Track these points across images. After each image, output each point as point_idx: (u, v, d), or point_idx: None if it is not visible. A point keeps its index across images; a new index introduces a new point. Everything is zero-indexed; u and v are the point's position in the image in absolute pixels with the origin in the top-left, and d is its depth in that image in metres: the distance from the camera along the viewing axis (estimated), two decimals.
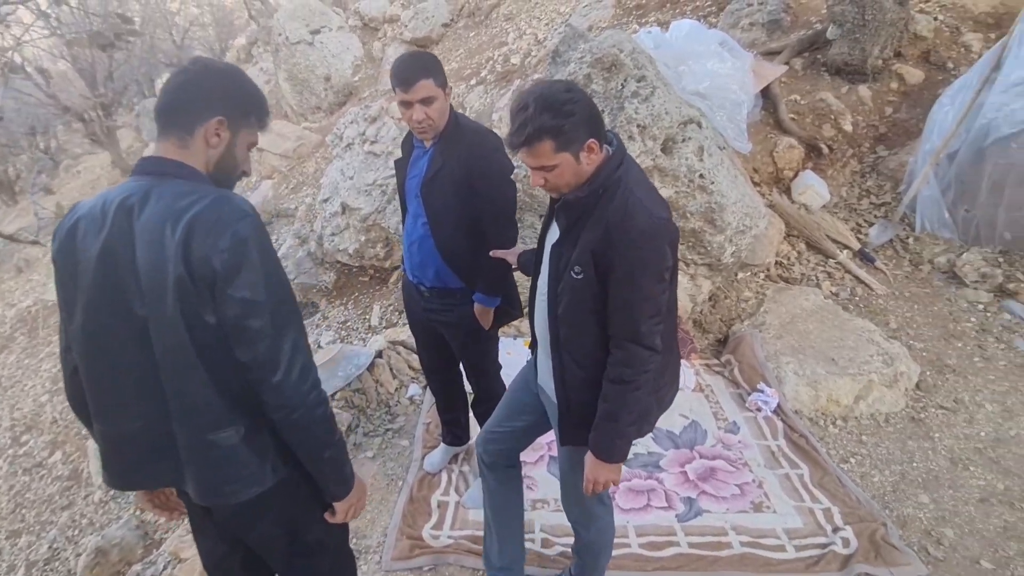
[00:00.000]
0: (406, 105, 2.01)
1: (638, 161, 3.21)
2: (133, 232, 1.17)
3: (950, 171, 3.89)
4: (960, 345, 3.42)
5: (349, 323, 4.94)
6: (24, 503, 5.14)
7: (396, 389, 3.40)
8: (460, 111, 7.23)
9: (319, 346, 4.72)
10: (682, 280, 3.56)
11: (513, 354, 3.35)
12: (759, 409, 3.11)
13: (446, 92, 2.05)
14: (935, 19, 4.72)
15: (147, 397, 1.23)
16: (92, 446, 4.93)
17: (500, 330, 2.46)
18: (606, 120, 3.27)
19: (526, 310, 1.91)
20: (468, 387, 2.64)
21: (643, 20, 6.17)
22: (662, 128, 3.25)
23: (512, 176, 2.18)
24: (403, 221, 2.35)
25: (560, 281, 1.56)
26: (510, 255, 2.01)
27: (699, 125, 3.42)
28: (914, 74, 4.57)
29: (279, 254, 5.77)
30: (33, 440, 5.91)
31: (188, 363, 1.19)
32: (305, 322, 5.19)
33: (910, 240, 4.05)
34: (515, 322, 3.00)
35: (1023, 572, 2.29)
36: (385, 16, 10.36)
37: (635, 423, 1.58)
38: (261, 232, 1.18)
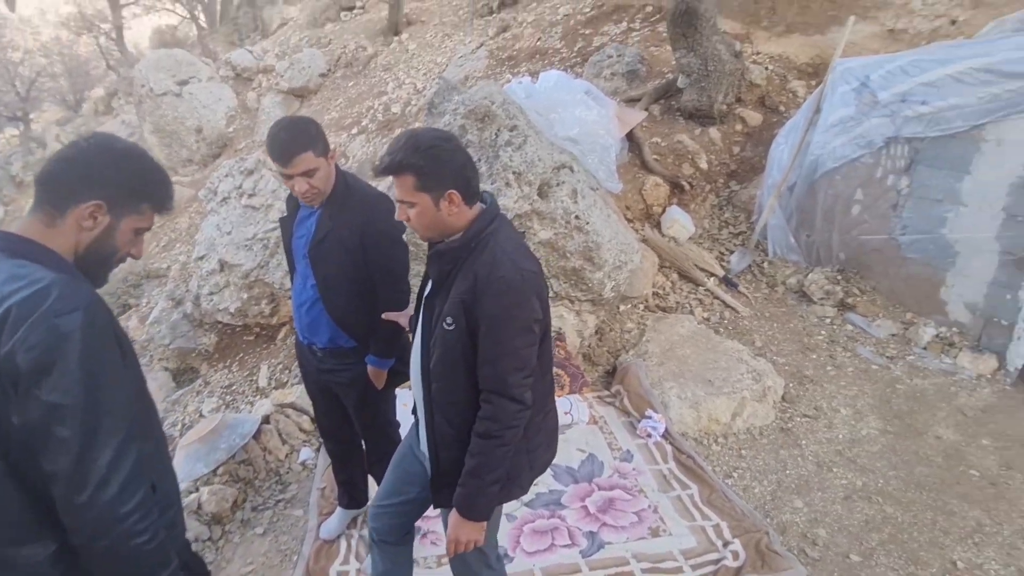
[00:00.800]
0: (287, 177, 1.98)
1: (516, 206, 3.35)
2: None
3: (791, 202, 4.39)
4: (815, 356, 3.81)
5: (235, 387, 4.64)
6: None
7: (287, 455, 3.22)
8: (343, 160, 7.14)
9: (200, 415, 4.39)
10: (568, 316, 3.70)
11: (409, 406, 3.30)
12: (649, 435, 3.26)
13: (329, 157, 2.02)
14: (766, 69, 5.36)
15: None
16: None
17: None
18: (482, 168, 3.38)
19: None
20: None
21: (515, 70, 6.49)
22: (536, 174, 3.41)
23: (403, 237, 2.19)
24: (291, 280, 2.29)
25: (432, 333, 1.56)
26: (402, 317, 2.00)
27: (571, 169, 3.63)
28: (754, 117, 5.15)
29: (150, 318, 5.36)
30: None
31: None
32: (185, 390, 4.85)
33: (765, 264, 4.49)
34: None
35: (885, 560, 2.54)
36: (259, 67, 10.14)
37: (500, 481, 1.56)
38: (92, 327, 1.07)
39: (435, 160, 1.46)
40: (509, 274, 1.46)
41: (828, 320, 4.08)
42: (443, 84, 3.89)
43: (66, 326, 1.04)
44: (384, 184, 5.15)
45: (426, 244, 1.65)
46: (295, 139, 1.95)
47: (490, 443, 1.50)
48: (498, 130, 3.40)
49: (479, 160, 3.38)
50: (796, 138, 4.33)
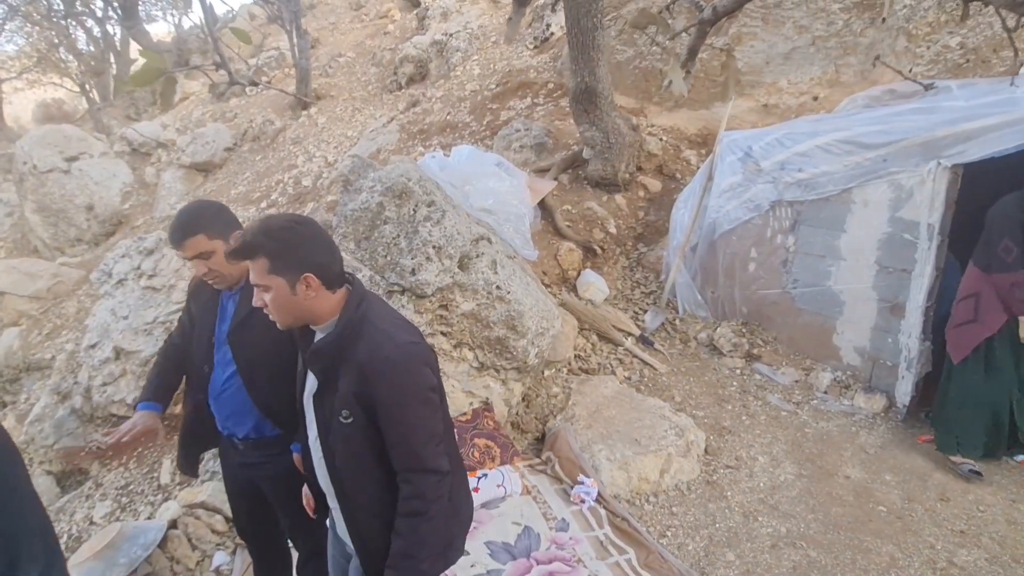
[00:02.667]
0: (186, 259, 1.95)
1: (437, 280, 3.37)
2: None
3: (694, 261, 4.70)
4: (730, 407, 4.00)
5: (132, 487, 4.22)
6: None
7: (198, 563, 2.93)
8: None
9: (92, 523, 3.94)
10: (495, 385, 3.70)
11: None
12: (583, 500, 3.25)
13: (234, 239, 1.99)
14: (661, 140, 5.82)
15: None
16: None
17: None
18: (402, 244, 3.39)
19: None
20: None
21: (427, 143, 6.65)
22: (456, 247, 3.46)
23: None
24: (206, 367, 2.17)
25: (330, 431, 1.52)
26: None
27: (489, 241, 3.71)
28: (654, 184, 5.54)
29: (31, 417, 4.83)
30: None
31: None
32: (72, 495, 4.34)
33: (677, 321, 4.73)
34: None
35: None
36: (159, 141, 9.79)
37: (439, 554, 1.54)
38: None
39: (287, 243, 1.45)
40: (392, 353, 1.45)
41: (738, 371, 4.31)
42: (357, 161, 3.91)
43: None
44: None
45: None
46: (187, 222, 1.95)
47: (417, 520, 1.47)
48: (416, 206, 3.45)
49: (399, 236, 3.40)
50: (694, 202, 4.68)
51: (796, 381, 4.19)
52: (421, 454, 1.47)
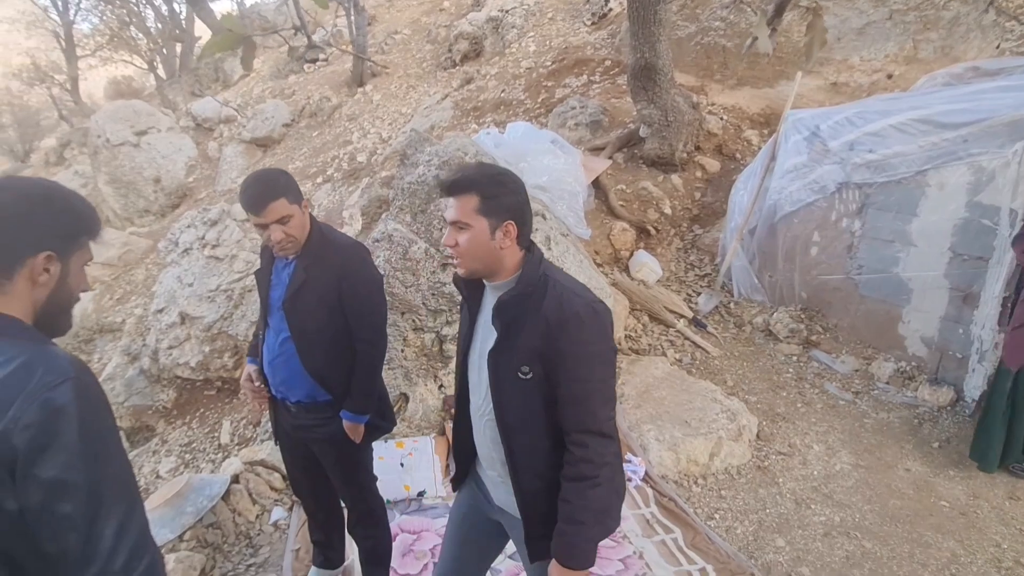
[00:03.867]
0: (262, 227, 1.97)
1: None
2: None
3: (752, 244, 4.56)
4: (785, 394, 3.89)
5: (194, 444, 4.44)
6: None
7: (257, 516, 3.07)
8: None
9: (158, 476, 4.17)
10: None
11: (386, 459, 3.22)
12: (630, 479, 3.24)
13: (303, 206, 2.03)
14: (721, 119, 5.64)
15: None
16: None
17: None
18: None
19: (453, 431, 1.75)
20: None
21: (481, 121, 6.65)
22: None
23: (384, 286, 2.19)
24: (262, 335, 2.23)
25: (503, 388, 1.49)
26: None
27: (544, 217, 3.70)
28: (712, 164, 5.38)
29: (104, 375, 5.13)
30: None
31: None
32: (140, 449, 4.61)
33: (731, 305, 4.62)
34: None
35: None
36: (221, 117, 10.12)
37: (600, 522, 1.48)
38: (86, 395, 1.02)
39: (502, 187, 1.46)
40: (581, 310, 1.43)
41: (795, 358, 4.19)
42: (414, 135, 3.95)
43: (60, 399, 0.99)
44: (353, 231, 5.13)
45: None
46: (268, 187, 1.96)
47: (584, 484, 1.44)
48: None
49: None
50: (754, 184, 4.53)
51: (856, 370, 4.04)
52: (598, 415, 1.44)
